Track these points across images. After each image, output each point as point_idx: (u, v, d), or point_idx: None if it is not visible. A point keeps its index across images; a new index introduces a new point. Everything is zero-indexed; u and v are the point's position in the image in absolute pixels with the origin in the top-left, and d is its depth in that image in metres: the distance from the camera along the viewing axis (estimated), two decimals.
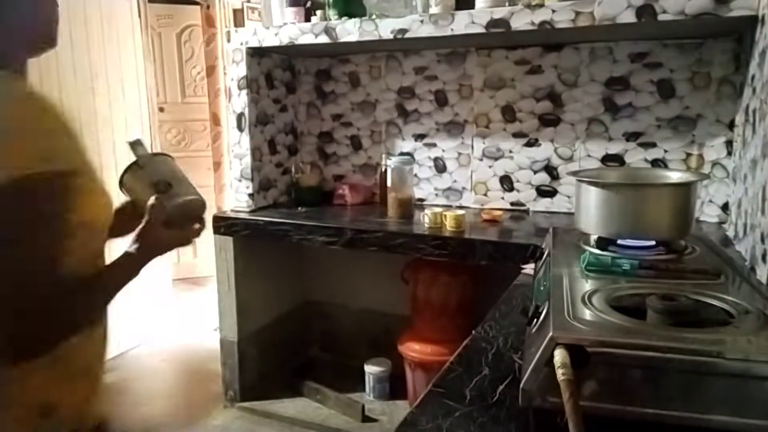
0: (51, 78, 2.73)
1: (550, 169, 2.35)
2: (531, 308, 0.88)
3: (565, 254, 1.14)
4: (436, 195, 2.58)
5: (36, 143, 0.78)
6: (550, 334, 0.72)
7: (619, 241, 1.20)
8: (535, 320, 0.85)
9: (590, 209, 1.21)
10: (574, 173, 1.31)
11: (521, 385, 0.73)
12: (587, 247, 1.18)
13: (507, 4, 1.98)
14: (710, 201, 2.10)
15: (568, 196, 2.33)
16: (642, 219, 1.17)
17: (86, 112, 2.91)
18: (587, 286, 0.94)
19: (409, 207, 2.29)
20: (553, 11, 1.85)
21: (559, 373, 0.67)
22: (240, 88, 2.46)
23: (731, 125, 2.04)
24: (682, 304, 0.81)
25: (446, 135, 2.52)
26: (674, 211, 1.18)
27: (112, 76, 3.05)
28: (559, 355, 0.69)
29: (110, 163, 3.06)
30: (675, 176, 1.32)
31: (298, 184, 2.67)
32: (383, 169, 2.55)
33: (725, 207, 2.06)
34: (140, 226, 0.99)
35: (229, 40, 2.47)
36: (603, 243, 1.20)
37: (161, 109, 4.16)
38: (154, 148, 3.36)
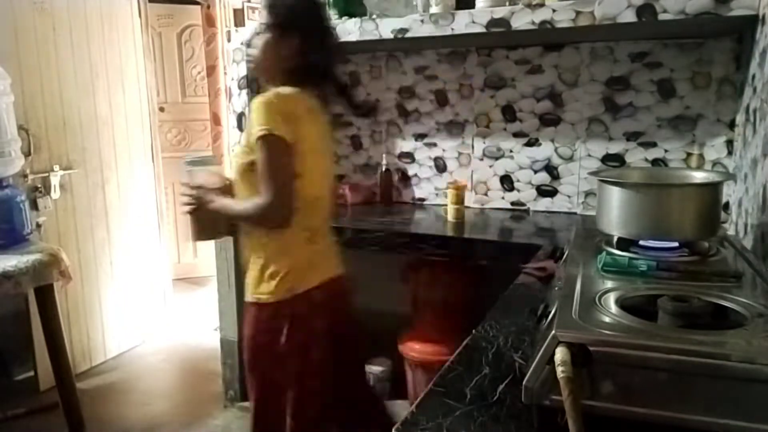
0: (51, 77, 2.73)
1: (550, 169, 2.35)
2: (540, 307, 0.88)
3: (583, 255, 1.13)
4: (437, 195, 2.58)
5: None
6: (553, 332, 0.72)
7: (641, 242, 1.17)
8: (544, 319, 0.85)
9: (612, 209, 1.19)
10: (596, 173, 1.30)
11: (524, 383, 0.73)
12: (607, 248, 1.17)
13: (507, 3, 1.98)
14: None
15: (569, 196, 2.33)
16: (664, 220, 1.15)
17: (86, 112, 2.91)
18: (601, 286, 0.94)
19: None
20: (554, 11, 1.85)
21: (559, 371, 0.67)
22: (240, 88, 2.46)
23: (732, 125, 2.04)
24: (693, 305, 0.81)
25: (447, 135, 2.52)
26: (698, 212, 1.15)
27: (113, 75, 3.05)
28: (560, 353, 0.68)
29: (111, 162, 3.06)
30: (699, 176, 1.29)
31: None
32: (383, 169, 2.55)
33: (726, 206, 2.05)
34: None
35: (229, 40, 2.47)
36: (624, 244, 1.18)
37: (162, 109, 4.16)
38: (154, 148, 3.37)
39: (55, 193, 2.74)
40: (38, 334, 2.62)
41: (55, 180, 2.73)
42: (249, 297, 1.56)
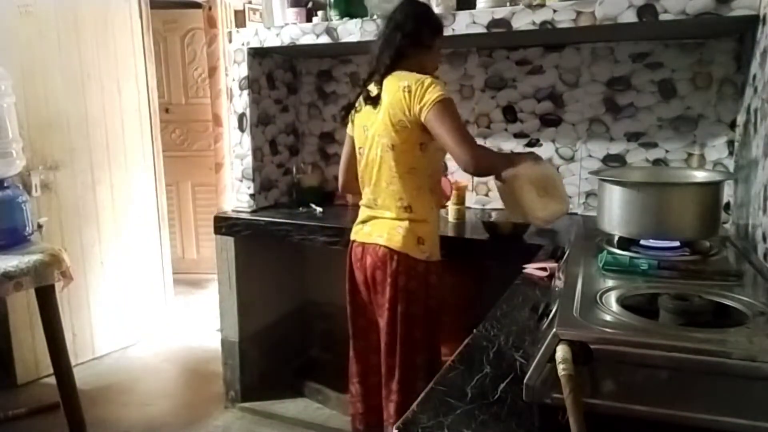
0: (36, 79, 2.73)
1: None
2: (541, 306, 0.88)
3: (584, 254, 1.13)
4: None
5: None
6: (554, 330, 0.72)
7: (642, 242, 1.18)
8: (545, 318, 0.85)
9: (613, 209, 1.19)
10: (596, 172, 1.30)
11: (525, 381, 0.73)
12: (608, 247, 1.17)
13: (508, 4, 1.98)
14: None
15: (570, 197, 2.32)
16: (665, 219, 1.15)
17: (75, 113, 2.91)
18: (602, 285, 0.94)
19: None
20: (555, 11, 1.85)
21: (560, 369, 0.67)
22: (241, 89, 2.46)
23: (732, 125, 2.03)
24: (694, 304, 0.81)
25: None
26: (699, 211, 1.15)
27: (107, 77, 3.05)
28: (561, 351, 0.68)
29: (102, 162, 3.06)
30: (700, 176, 1.30)
31: (300, 185, 2.67)
32: None
33: (726, 207, 2.05)
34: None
35: (230, 41, 2.47)
36: (625, 243, 1.18)
37: (167, 110, 4.20)
38: (155, 147, 3.37)
39: (36, 192, 2.73)
40: (18, 329, 2.70)
41: (35, 179, 2.73)
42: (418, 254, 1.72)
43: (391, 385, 1.78)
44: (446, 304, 1.84)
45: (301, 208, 2.53)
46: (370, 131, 1.76)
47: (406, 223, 1.71)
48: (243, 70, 2.45)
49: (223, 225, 2.47)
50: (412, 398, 1.75)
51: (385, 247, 1.71)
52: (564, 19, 1.85)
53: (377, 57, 1.75)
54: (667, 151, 2.16)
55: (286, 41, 2.33)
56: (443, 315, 1.83)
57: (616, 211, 1.19)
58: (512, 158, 1.79)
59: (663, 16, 1.71)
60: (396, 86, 1.66)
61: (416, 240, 1.71)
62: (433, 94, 1.59)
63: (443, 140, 1.59)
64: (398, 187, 1.71)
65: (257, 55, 2.48)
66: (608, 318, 0.79)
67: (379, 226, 1.76)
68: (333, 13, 2.31)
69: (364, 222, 1.83)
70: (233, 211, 2.56)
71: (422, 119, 1.60)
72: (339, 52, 2.60)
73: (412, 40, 1.72)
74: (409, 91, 1.62)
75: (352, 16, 2.25)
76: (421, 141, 1.66)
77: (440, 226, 1.89)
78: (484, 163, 1.63)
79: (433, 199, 1.78)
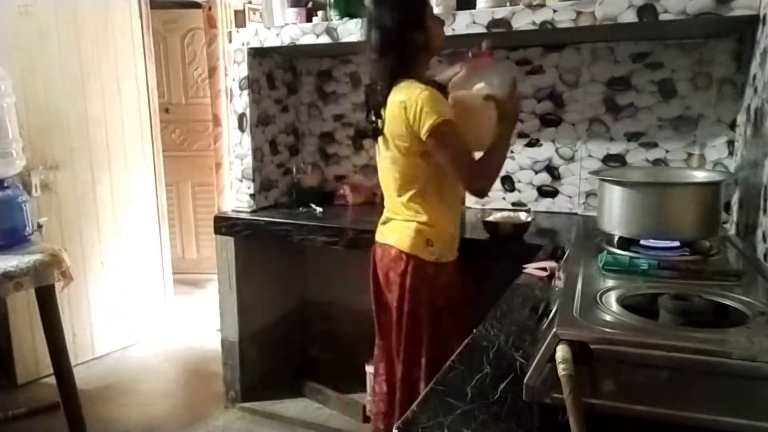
0: (36, 80, 2.73)
1: (551, 170, 2.35)
2: (541, 306, 0.88)
3: (585, 254, 1.14)
4: None
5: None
6: (554, 330, 0.72)
7: (642, 242, 1.18)
8: (545, 318, 0.85)
9: (613, 209, 1.19)
10: (597, 172, 1.30)
11: (525, 381, 0.73)
12: (608, 247, 1.17)
13: (508, 4, 1.98)
14: None
15: (570, 197, 2.33)
16: (665, 219, 1.15)
17: (76, 113, 2.91)
18: (603, 285, 0.94)
19: None
20: (555, 11, 1.85)
21: (560, 369, 0.67)
22: (241, 89, 2.46)
23: (733, 125, 2.03)
24: (694, 304, 0.81)
25: None
26: (699, 211, 1.16)
27: (107, 77, 3.05)
28: (561, 351, 0.69)
29: (102, 162, 3.06)
30: (700, 175, 1.30)
31: (300, 185, 2.67)
32: None
33: (726, 206, 2.05)
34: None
35: (230, 41, 2.47)
36: (625, 243, 1.18)
37: (167, 110, 4.19)
38: (155, 147, 3.37)
39: (36, 192, 2.73)
40: (18, 329, 2.70)
41: (35, 179, 2.72)
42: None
43: (395, 382, 1.82)
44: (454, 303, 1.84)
45: (301, 208, 2.53)
46: (380, 143, 1.79)
47: (414, 225, 1.74)
48: (243, 70, 2.45)
49: (223, 225, 2.47)
50: (414, 397, 1.79)
51: (396, 248, 1.76)
52: (564, 19, 1.85)
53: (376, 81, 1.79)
54: (667, 151, 2.16)
55: (286, 41, 2.33)
56: (453, 315, 1.83)
57: (616, 211, 1.19)
58: (506, 137, 1.73)
59: (663, 16, 1.71)
60: (394, 101, 1.67)
61: (425, 242, 1.73)
62: (429, 118, 1.57)
63: (446, 168, 1.66)
64: (406, 197, 1.75)
65: (257, 55, 2.48)
66: (608, 318, 0.79)
67: (392, 228, 1.81)
68: (333, 13, 2.31)
69: (383, 223, 1.87)
70: (233, 211, 2.56)
71: (423, 139, 1.61)
72: (339, 52, 2.60)
73: (402, 51, 1.69)
74: (405, 107, 1.62)
75: (352, 16, 2.25)
76: (423, 150, 1.66)
77: (458, 224, 1.87)
78: (485, 187, 1.70)
79: (445, 201, 1.77)
